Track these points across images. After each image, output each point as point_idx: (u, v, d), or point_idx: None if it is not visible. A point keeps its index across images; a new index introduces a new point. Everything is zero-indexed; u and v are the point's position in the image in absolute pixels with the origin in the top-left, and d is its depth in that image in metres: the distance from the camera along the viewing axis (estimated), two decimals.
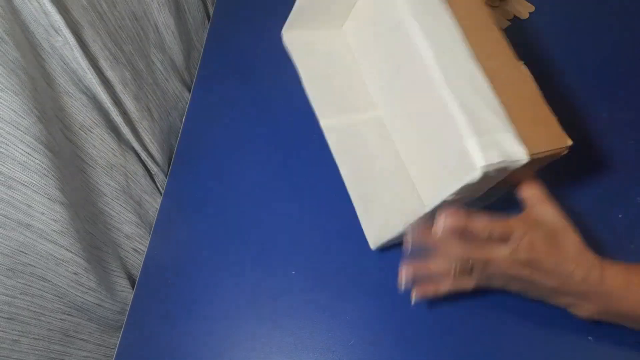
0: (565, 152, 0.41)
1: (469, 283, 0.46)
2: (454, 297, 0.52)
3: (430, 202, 0.43)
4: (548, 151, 0.40)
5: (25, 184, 0.43)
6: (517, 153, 0.38)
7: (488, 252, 0.42)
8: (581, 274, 0.42)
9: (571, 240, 0.42)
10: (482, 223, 0.40)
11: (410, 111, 0.54)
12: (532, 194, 0.43)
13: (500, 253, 0.41)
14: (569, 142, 0.41)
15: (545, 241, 0.41)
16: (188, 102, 0.71)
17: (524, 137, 0.39)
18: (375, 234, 0.53)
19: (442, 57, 0.42)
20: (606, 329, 0.49)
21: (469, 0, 0.46)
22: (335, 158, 0.54)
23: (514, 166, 0.38)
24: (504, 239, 0.41)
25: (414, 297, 0.47)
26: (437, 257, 0.45)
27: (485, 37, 0.44)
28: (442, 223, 0.40)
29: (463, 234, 0.41)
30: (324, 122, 0.54)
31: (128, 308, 0.56)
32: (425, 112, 0.52)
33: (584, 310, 0.45)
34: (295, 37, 0.58)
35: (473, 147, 0.38)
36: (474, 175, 0.37)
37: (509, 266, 0.42)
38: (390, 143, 0.57)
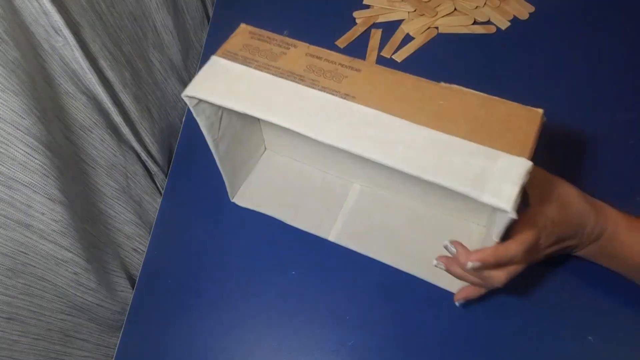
0: (545, 120, 0.41)
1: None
2: (452, 297, 0.52)
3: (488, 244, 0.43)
4: (534, 135, 0.39)
5: (26, 184, 0.43)
6: (522, 165, 0.37)
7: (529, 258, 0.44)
8: (592, 222, 0.45)
9: (572, 194, 0.45)
10: (512, 251, 0.41)
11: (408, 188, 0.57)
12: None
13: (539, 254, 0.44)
14: (541, 111, 0.40)
15: (559, 210, 0.43)
16: None
17: (509, 144, 0.38)
18: (459, 283, 0.52)
19: (389, 149, 0.39)
20: (606, 329, 0.49)
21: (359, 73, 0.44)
22: (371, 256, 0.55)
23: (529, 173, 0.37)
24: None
25: (456, 300, 0.49)
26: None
27: (393, 94, 0.42)
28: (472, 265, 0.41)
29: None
30: (333, 238, 0.56)
31: (128, 308, 0.56)
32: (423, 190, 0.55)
33: (586, 250, 0.47)
34: (243, 194, 0.60)
35: (490, 199, 0.36)
36: (512, 215, 0.36)
37: (543, 253, 0.45)
38: (391, 199, 0.59)
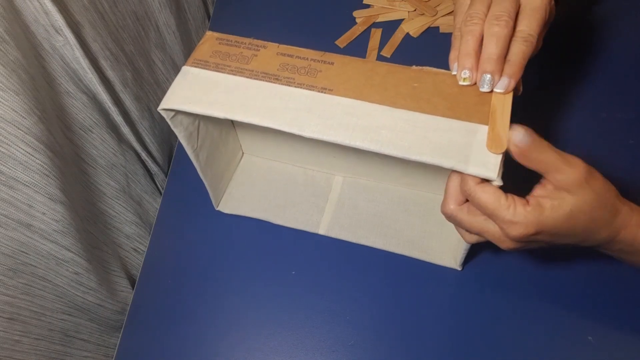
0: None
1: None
2: (453, 296, 0.53)
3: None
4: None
5: (26, 183, 0.43)
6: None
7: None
8: (605, 233, 0.41)
9: (591, 206, 0.39)
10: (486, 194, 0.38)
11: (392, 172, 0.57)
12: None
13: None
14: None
15: (563, 223, 0.39)
16: None
17: (486, 117, 0.40)
18: (451, 257, 0.54)
19: (362, 133, 0.40)
20: (606, 329, 0.49)
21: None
22: (362, 243, 0.56)
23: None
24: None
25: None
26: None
27: (369, 81, 0.43)
28: None
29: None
30: (323, 231, 0.57)
31: (128, 308, 0.56)
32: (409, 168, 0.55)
33: (596, 241, 0.42)
34: (227, 202, 0.60)
35: (476, 170, 0.37)
36: (497, 182, 0.37)
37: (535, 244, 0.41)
38: (374, 186, 0.59)
